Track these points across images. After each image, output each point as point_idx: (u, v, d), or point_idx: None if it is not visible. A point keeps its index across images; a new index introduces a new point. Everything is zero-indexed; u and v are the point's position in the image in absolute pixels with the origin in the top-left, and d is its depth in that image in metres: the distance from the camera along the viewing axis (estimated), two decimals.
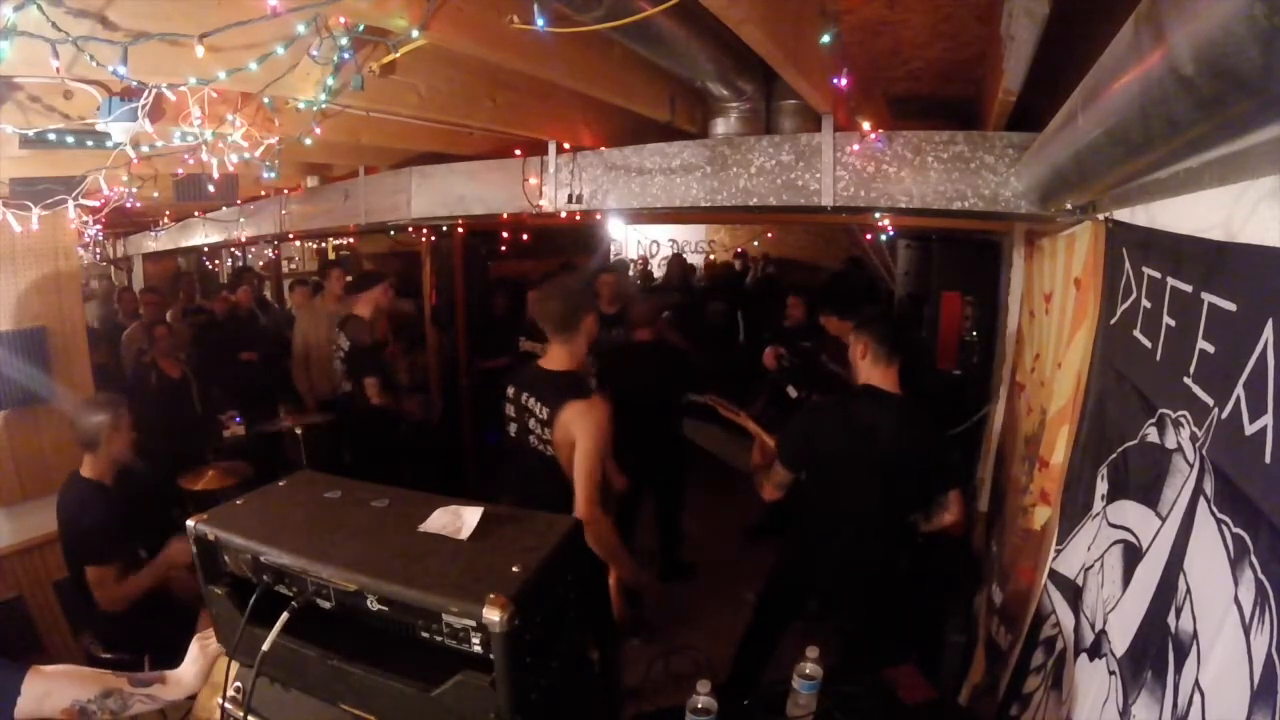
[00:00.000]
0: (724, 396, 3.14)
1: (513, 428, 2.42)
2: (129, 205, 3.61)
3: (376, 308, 4.44)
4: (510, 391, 2.42)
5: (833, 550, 2.49)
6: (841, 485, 2.45)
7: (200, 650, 1.51)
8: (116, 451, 2.54)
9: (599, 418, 2.19)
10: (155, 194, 3.72)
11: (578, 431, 2.17)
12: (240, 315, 5.65)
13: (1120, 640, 1.35)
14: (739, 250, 9.20)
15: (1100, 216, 1.90)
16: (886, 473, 2.36)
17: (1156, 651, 1.18)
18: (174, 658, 1.54)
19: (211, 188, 3.55)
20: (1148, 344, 1.43)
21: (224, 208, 5.29)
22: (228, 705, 1.43)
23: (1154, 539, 1.28)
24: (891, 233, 4.40)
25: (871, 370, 2.45)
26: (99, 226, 5.17)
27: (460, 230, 5.51)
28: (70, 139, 2.33)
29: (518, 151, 3.51)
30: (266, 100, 2.23)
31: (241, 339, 5.34)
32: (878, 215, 3.21)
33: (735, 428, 2.98)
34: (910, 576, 2.73)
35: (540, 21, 1.71)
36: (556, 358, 2.37)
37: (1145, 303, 1.48)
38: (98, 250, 6.93)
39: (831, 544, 2.50)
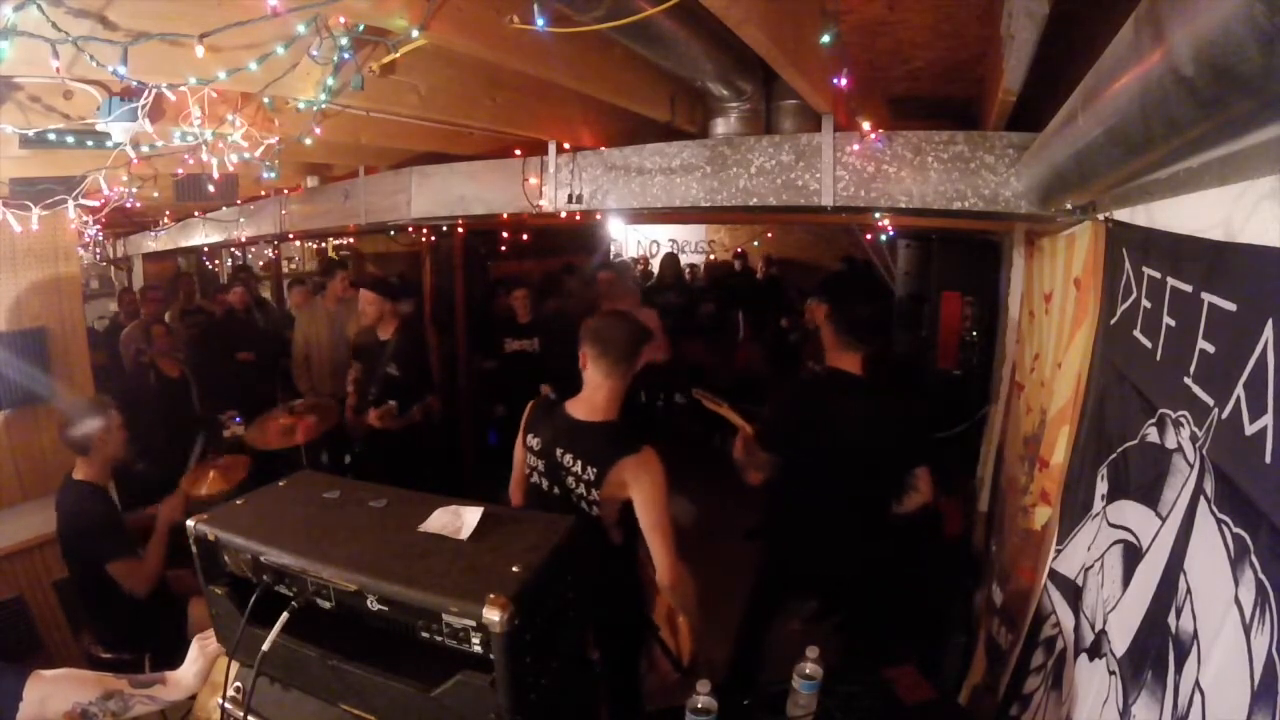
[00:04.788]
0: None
1: (543, 482, 2.07)
2: (129, 205, 3.61)
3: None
4: (535, 443, 2.07)
5: (810, 535, 2.52)
6: (811, 468, 2.48)
7: (200, 650, 1.51)
8: (110, 453, 2.54)
9: (657, 469, 1.93)
10: (155, 194, 3.72)
11: (639, 490, 1.91)
12: (237, 316, 5.64)
13: (1120, 640, 1.35)
14: (739, 250, 9.19)
15: (1100, 216, 1.90)
16: (854, 454, 2.39)
17: (1156, 651, 1.18)
18: (174, 658, 1.54)
19: (211, 188, 3.55)
20: (1148, 344, 1.43)
21: (224, 208, 5.29)
22: (228, 705, 1.43)
23: (1154, 539, 1.28)
24: (891, 233, 4.40)
25: (838, 354, 2.50)
26: (99, 226, 5.17)
27: (460, 230, 5.51)
28: (70, 139, 2.33)
29: (518, 151, 3.51)
30: (266, 100, 2.23)
31: (239, 339, 5.33)
32: (878, 215, 3.21)
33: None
34: (906, 572, 2.74)
35: (540, 21, 1.71)
36: (595, 403, 2.02)
37: (1145, 303, 1.48)
38: (98, 250, 6.92)
39: (808, 528, 2.52)
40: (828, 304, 2.54)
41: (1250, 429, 0.95)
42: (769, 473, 2.57)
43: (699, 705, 1.59)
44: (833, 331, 2.49)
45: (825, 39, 2.08)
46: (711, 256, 10.00)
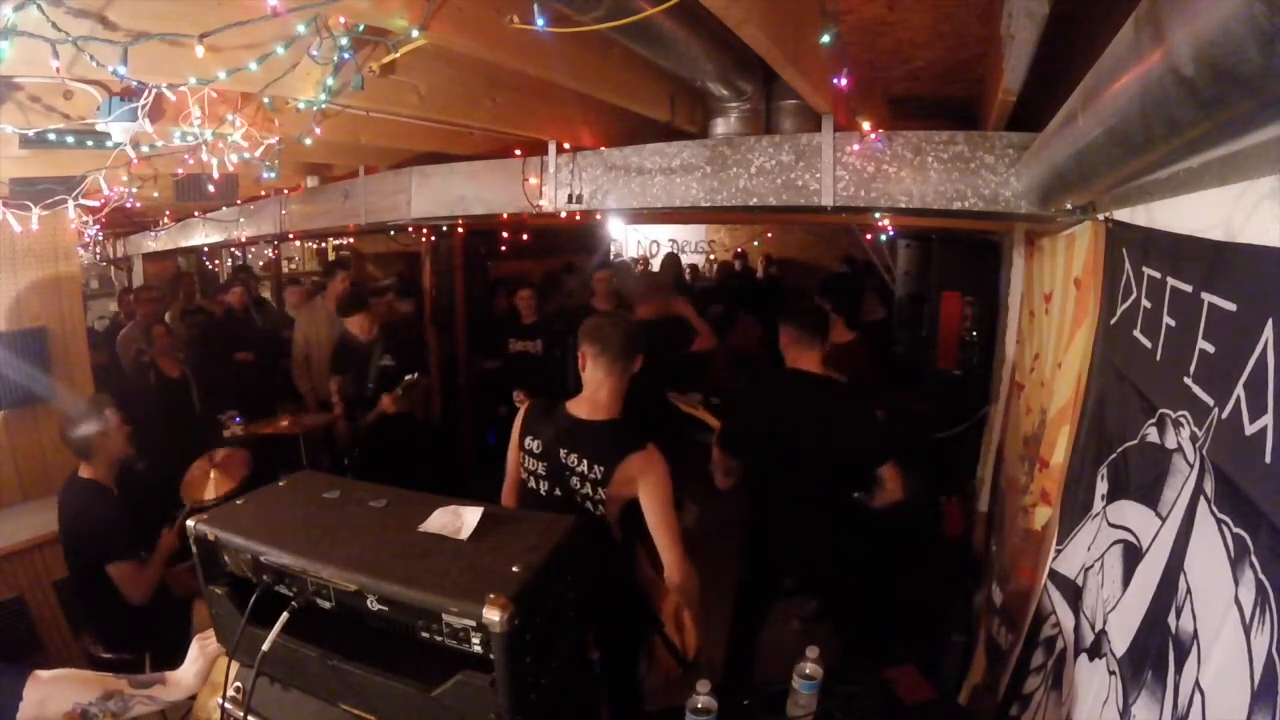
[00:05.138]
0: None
1: (541, 486, 2.04)
2: (129, 205, 3.60)
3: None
4: (534, 445, 2.04)
5: (781, 533, 2.54)
6: (775, 465, 2.52)
7: (200, 650, 1.51)
8: (113, 453, 2.54)
9: (662, 465, 1.94)
10: (155, 194, 3.72)
11: (645, 487, 1.93)
12: (237, 316, 5.64)
13: (1120, 640, 1.35)
14: (739, 250, 9.20)
15: (1100, 216, 1.90)
16: (815, 450, 2.42)
17: (1156, 651, 1.18)
18: (174, 658, 1.54)
19: (211, 188, 3.55)
20: (1148, 344, 1.43)
21: (224, 208, 5.29)
22: (228, 705, 1.43)
23: (1154, 539, 1.28)
24: (891, 233, 4.40)
25: (796, 354, 2.57)
26: (99, 226, 5.17)
27: (460, 230, 5.51)
28: (70, 139, 2.33)
29: (518, 151, 3.51)
30: (266, 100, 2.23)
31: (239, 339, 5.33)
32: (878, 215, 3.21)
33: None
34: (906, 571, 2.74)
35: (540, 21, 1.71)
36: (597, 402, 2.02)
37: (1145, 303, 1.48)
38: (98, 250, 6.91)
39: (778, 527, 2.55)
40: (781, 321, 2.64)
41: (1250, 429, 0.95)
42: (737, 477, 2.60)
43: (699, 705, 1.59)
44: (789, 335, 2.58)
45: (825, 39, 2.08)
46: (712, 256, 10.00)
